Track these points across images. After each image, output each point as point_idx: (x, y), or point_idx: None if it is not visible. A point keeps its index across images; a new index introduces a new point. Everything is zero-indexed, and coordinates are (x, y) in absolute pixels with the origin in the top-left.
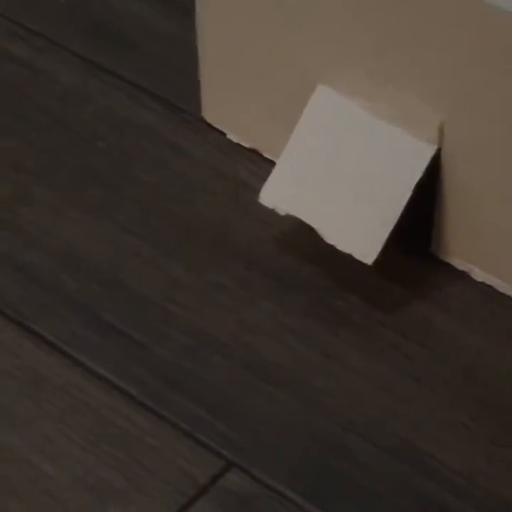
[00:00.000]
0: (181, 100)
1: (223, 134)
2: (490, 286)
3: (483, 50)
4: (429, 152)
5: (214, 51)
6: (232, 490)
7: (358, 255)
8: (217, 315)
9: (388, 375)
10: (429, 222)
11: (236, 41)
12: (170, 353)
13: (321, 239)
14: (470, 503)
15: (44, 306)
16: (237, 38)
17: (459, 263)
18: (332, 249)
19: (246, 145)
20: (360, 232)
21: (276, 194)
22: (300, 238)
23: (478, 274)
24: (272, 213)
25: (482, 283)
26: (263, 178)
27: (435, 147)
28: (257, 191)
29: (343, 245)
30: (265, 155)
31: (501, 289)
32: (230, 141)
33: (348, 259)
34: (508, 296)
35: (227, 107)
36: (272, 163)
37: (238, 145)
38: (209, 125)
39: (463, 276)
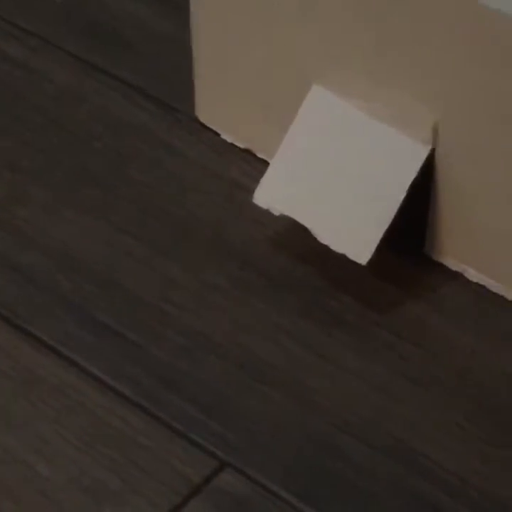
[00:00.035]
0: (176, 100)
1: (217, 134)
2: (484, 287)
3: (477, 51)
4: (423, 152)
5: (208, 51)
6: (226, 490)
7: (352, 255)
8: (212, 315)
9: (382, 375)
10: (423, 223)
11: (230, 41)
12: (165, 353)
13: (315, 239)
14: (464, 503)
15: (39, 307)
16: (231, 38)
17: (452, 263)
18: (326, 249)
19: (240, 145)
20: (354, 232)
21: (270, 194)
22: (294, 238)
23: (472, 275)
24: (266, 213)
25: (476, 283)
26: (257, 179)
27: (429, 147)
28: (251, 191)
29: (337, 245)
30: (259, 155)
31: (495, 289)
32: (224, 142)
33: (342, 260)
34: (502, 297)
35: (221, 107)
36: (266, 164)
37: (232, 145)
38: (203, 125)
39: (457, 276)
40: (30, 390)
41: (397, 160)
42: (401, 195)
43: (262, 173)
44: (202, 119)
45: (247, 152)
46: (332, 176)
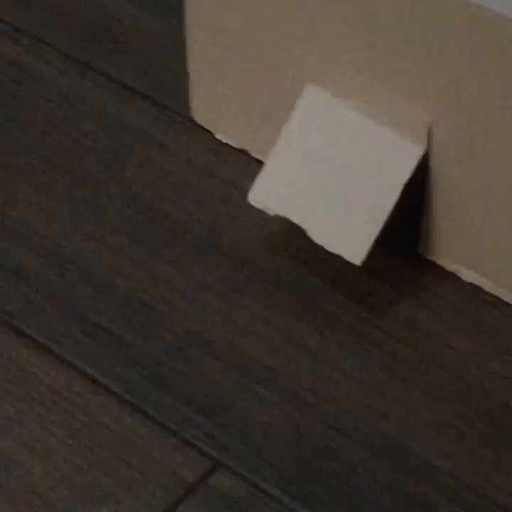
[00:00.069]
0: (170, 100)
1: (212, 134)
2: (477, 287)
3: (471, 52)
4: (417, 153)
5: (203, 51)
6: (220, 490)
7: (347, 256)
8: (206, 315)
9: (376, 375)
10: (416, 223)
11: (225, 41)
12: (159, 353)
13: (310, 239)
14: (458, 503)
15: (32, 306)
16: (225, 38)
17: (446, 263)
18: (320, 249)
19: (235, 145)
20: (349, 232)
21: (264, 194)
22: (289, 238)
23: (466, 275)
24: (260, 214)
25: (469, 283)
26: (252, 179)
27: (423, 148)
28: (245, 192)
29: (332, 246)
30: (254, 155)
31: (488, 289)
32: (219, 142)
33: (336, 260)
34: (495, 297)
35: (216, 107)
36: (260, 164)
37: (227, 145)
38: (198, 125)
39: (450, 276)
40: (22, 388)
41: (391, 160)
42: (395, 196)
43: (256, 173)
44: (196, 119)
45: (242, 152)
46: (326, 177)
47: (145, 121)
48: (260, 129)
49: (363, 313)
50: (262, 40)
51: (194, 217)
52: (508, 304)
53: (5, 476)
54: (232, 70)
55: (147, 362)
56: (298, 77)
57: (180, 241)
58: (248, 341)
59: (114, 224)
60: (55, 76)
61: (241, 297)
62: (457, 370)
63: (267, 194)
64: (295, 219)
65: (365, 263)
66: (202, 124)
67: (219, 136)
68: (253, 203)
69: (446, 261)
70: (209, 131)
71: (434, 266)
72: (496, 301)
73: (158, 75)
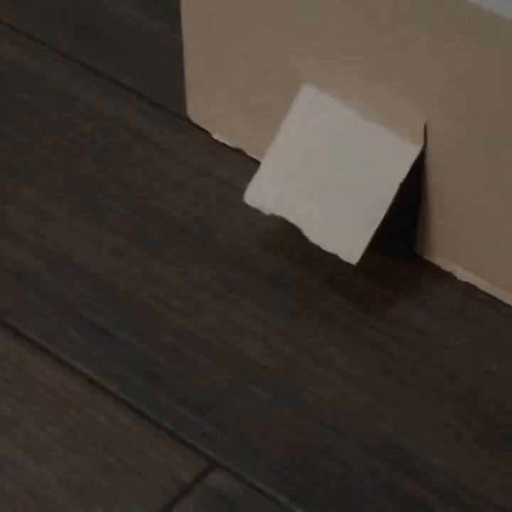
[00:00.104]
0: (167, 100)
1: (208, 133)
2: (473, 286)
3: (468, 51)
4: (413, 152)
5: (199, 51)
6: (216, 489)
7: (343, 255)
8: (203, 315)
9: (372, 374)
10: (413, 222)
11: (221, 41)
12: (155, 352)
13: (306, 239)
14: (455, 503)
15: (29, 306)
16: (222, 38)
17: (442, 263)
18: (317, 249)
19: (231, 145)
20: (345, 232)
21: (261, 194)
22: (285, 238)
23: (462, 274)
24: (257, 213)
25: (466, 283)
26: (248, 178)
27: (420, 147)
28: (242, 191)
29: (328, 245)
30: (250, 155)
31: (485, 289)
32: (216, 141)
33: (332, 259)
34: (492, 296)
35: (212, 106)
36: (257, 163)
37: (223, 145)
38: (194, 125)
39: (447, 276)
40: (18, 388)
41: (387, 160)
42: (391, 195)
43: (253, 172)
44: (193, 119)
45: (238, 152)
46: (322, 176)
47: (142, 121)
48: (257, 129)
49: (359, 312)
50: (259, 39)
51: (190, 217)
52: (504, 303)
53: (0, 475)
54: (228, 70)
55: (143, 361)
56: (294, 77)
57: (176, 240)
58: (244, 341)
59: (111, 223)
60: (53, 76)
61: (237, 296)
62: (453, 369)
63: (263, 193)
64: (291, 218)
65: (361, 262)
66: (198, 124)
67: (215, 135)
68: (249, 203)
69: (443, 260)
70: (206, 131)
71: (430, 265)
72: (492, 301)
73: (156, 75)
